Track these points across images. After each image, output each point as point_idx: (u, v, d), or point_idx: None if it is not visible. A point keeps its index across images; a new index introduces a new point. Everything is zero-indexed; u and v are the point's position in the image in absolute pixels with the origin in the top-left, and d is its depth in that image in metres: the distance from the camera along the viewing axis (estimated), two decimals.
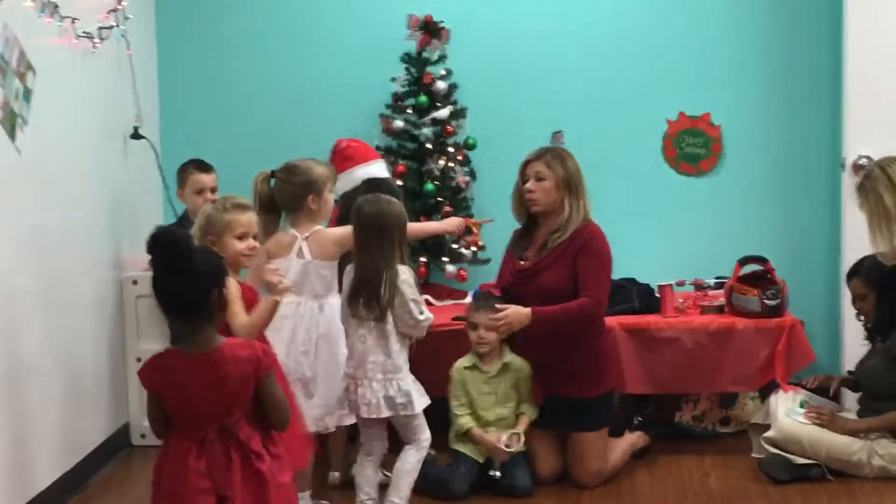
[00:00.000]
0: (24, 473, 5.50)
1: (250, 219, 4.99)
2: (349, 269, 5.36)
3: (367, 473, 5.41)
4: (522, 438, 5.88)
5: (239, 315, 4.67)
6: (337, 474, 5.93)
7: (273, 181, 5.55)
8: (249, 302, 4.82)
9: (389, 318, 5.27)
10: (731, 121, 7.29)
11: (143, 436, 6.75)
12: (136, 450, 6.75)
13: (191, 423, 3.97)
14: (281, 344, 5.31)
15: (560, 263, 5.91)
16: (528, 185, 5.96)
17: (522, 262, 6.00)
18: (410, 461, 5.36)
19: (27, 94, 5.52)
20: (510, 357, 5.97)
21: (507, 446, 5.80)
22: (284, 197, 5.53)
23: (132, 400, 6.74)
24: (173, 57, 7.45)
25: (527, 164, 6.01)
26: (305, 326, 5.48)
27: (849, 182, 6.73)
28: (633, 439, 6.31)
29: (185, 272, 3.90)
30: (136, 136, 6.89)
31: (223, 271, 4.06)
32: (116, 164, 6.79)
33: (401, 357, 5.32)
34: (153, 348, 6.31)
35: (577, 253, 5.89)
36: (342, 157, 6.12)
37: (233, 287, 4.59)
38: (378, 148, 7.10)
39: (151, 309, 6.44)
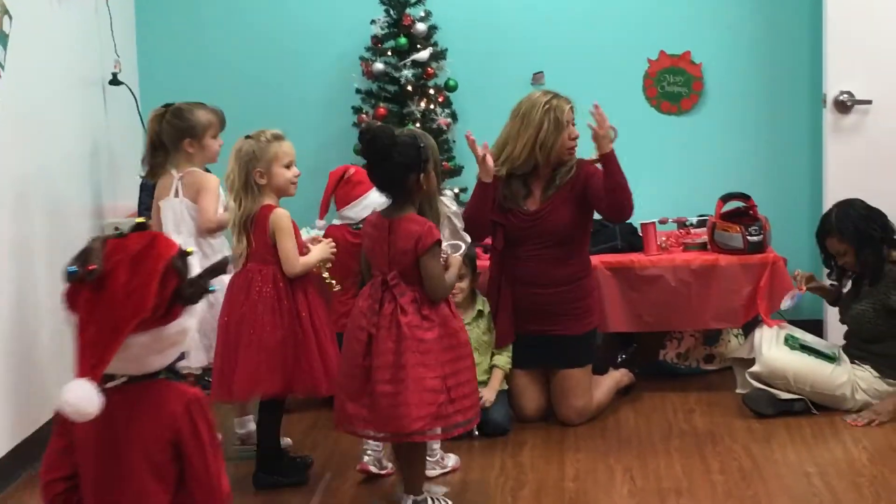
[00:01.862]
0: (15, 418, 5.51)
1: (292, 147, 5.31)
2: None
3: None
4: (493, 396, 5.91)
5: (290, 250, 5.18)
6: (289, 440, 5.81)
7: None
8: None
9: None
10: (712, 59, 7.27)
11: None
12: None
13: (375, 271, 4.86)
14: None
15: (569, 202, 5.94)
16: (574, 131, 5.93)
17: (526, 207, 5.97)
18: None
19: (3, 39, 5.48)
20: (482, 303, 5.99)
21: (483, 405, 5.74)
22: (167, 138, 5.73)
23: None
24: (151, 2, 7.39)
25: (569, 108, 5.94)
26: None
27: (830, 118, 6.74)
28: (617, 377, 6.34)
29: (385, 161, 4.73)
30: (114, 81, 6.84)
31: (419, 160, 4.76)
32: (95, 111, 6.75)
33: None
34: None
35: (581, 189, 5.93)
36: (353, 184, 6.10)
37: (285, 220, 5.21)
38: (358, 91, 7.09)
39: None
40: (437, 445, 5.38)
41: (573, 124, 5.93)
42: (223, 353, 5.25)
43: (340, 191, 6.18)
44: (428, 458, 5.27)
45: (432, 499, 5.01)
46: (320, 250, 5.31)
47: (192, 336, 5.22)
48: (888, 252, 6.00)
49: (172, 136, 5.70)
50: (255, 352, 5.15)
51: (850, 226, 6.02)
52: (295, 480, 5.37)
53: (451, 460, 5.44)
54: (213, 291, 3.07)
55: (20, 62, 5.64)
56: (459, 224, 5.34)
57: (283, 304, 5.18)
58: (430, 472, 5.30)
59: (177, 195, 5.70)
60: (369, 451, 5.36)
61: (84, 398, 2.79)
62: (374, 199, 5.62)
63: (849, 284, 6.23)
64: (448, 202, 5.26)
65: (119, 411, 2.94)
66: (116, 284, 2.87)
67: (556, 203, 5.92)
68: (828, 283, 6.41)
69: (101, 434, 2.95)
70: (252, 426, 5.72)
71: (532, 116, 5.87)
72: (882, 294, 5.96)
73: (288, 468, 5.42)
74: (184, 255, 2.96)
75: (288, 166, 5.27)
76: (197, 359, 5.62)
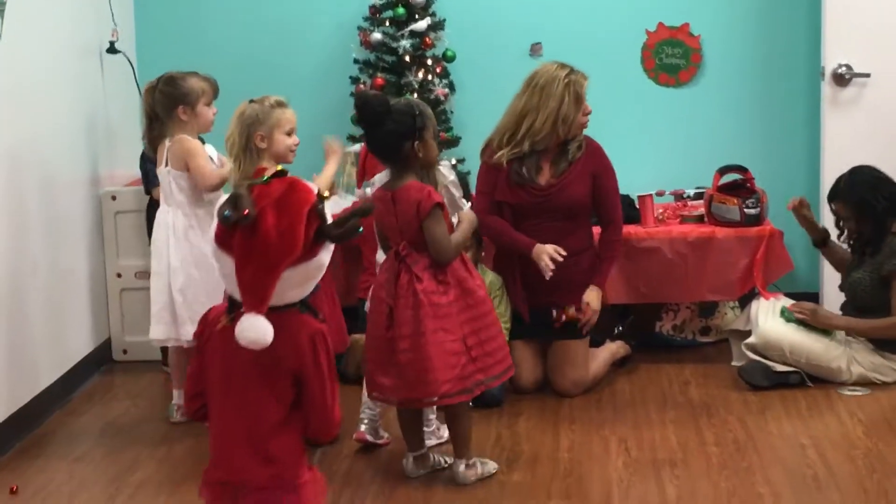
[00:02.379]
0: (9, 387, 5.52)
1: (294, 115, 5.37)
2: (380, 178, 5.34)
3: None
4: None
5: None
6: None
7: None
8: None
9: None
10: (710, 31, 7.25)
11: (124, 351, 6.76)
12: (118, 365, 6.77)
13: (389, 245, 4.93)
14: (158, 255, 5.64)
15: (580, 180, 5.96)
16: (588, 107, 5.95)
17: (537, 181, 5.96)
18: None
19: (1, 7, 5.47)
20: (488, 276, 5.99)
21: None
22: (160, 107, 5.69)
23: (113, 316, 6.75)
24: None
25: (585, 83, 5.97)
26: (175, 237, 5.62)
27: (828, 91, 6.73)
28: (613, 348, 6.35)
29: (379, 128, 4.76)
30: (112, 50, 6.83)
31: (414, 128, 4.78)
32: (93, 79, 6.74)
33: None
34: (133, 264, 6.41)
35: (593, 173, 5.98)
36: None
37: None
38: (356, 61, 7.07)
39: (131, 224, 6.48)
40: (433, 416, 5.40)
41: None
42: None
43: (368, 163, 6.18)
44: (424, 428, 5.30)
45: (480, 462, 5.09)
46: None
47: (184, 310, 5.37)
48: (891, 223, 5.99)
49: (166, 105, 5.67)
50: None
51: (855, 193, 6.02)
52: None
53: (447, 431, 5.45)
54: (361, 233, 3.29)
55: (17, 31, 5.63)
56: (457, 193, 5.33)
57: None
58: (428, 442, 5.32)
59: (166, 165, 5.68)
60: (366, 420, 5.38)
61: (258, 330, 3.11)
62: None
63: (848, 251, 6.25)
64: (445, 171, 5.25)
65: None
66: (267, 227, 3.12)
67: (570, 178, 5.92)
68: (821, 226, 6.45)
69: (229, 357, 3.24)
70: None
71: (553, 90, 5.86)
72: (879, 264, 5.97)
73: None
74: (321, 198, 3.23)
75: (289, 133, 5.33)
76: (188, 332, 5.65)
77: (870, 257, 6.05)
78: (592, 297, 5.96)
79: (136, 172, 6.75)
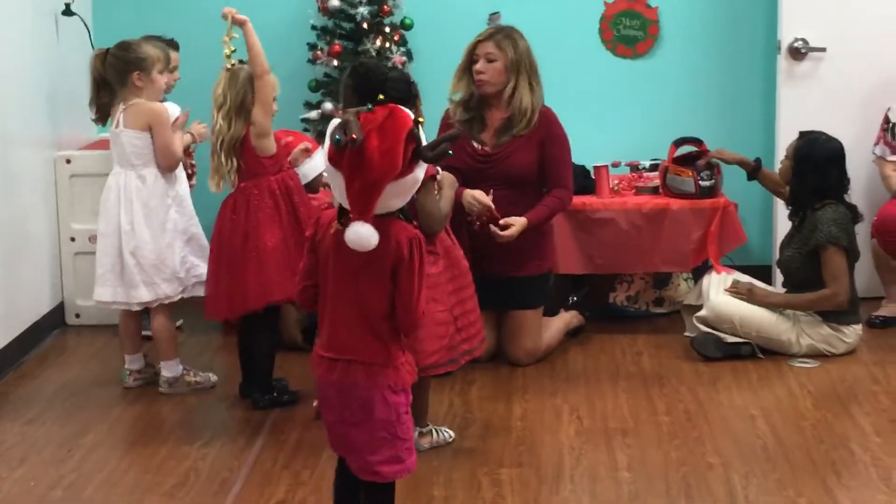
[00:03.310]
0: None
1: (276, 81, 5.51)
2: None
3: None
4: None
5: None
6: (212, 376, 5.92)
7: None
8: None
9: None
10: (668, 3, 7.26)
11: (77, 315, 6.74)
12: (70, 329, 6.75)
13: None
14: (108, 217, 5.65)
15: (526, 148, 5.94)
16: (477, 66, 5.92)
17: (481, 147, 5.96)
18: None
19: None
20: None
21: None
22: (113, 73, 5.65)
23: (66, 279, 6.72)
24: None
25: (476, 44, 5.95)
26: (127, 199, 5.62)
27: (784, 65, 6.76)
28: (567, 318, 6.38)
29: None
30: (67, 12, 6.78)
31: (411, 95, 4.75)
32: (48, 42, 6.69)
33: None
34: (87, 228, 6.36)
35: (542, 140, 5.95)
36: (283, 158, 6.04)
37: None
38: (314, 28, 7.04)
39: (86, 188, 6.45)
40: None
41: (485, 59, 5.91)
42: (229, 271, 5.47)
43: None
44: None
45: (436, 430, 5.10)
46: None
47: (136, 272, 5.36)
48: (819, 201, 6.03)
49: (119, 70, 5.61)
50: (264, 260, 5.42)
51: (806, 151, 6.06)
52: (290, 400, 5.55)
53: None
54: (451, 155, 3.82)
55: None
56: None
57: (281, 212, 5.46)
58: None
59: (117, 126, 5.65)
60: None
61: (364, 234, 3.63)
62: (303, 173, 5.81)
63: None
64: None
65: None
66: (371, 148, 3.63)
67: (515, 146, 5.91)
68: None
69: (343, 254, 3.75)
70: (142, 362, 5.87)
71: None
72: (805, 239, 6.02)
73: (276, 390, 5.62)
74: (417, 123, 3.72)
75: (274, 99, 5.48)
76: (172, 289, 5.68)
77: (797, 233, 6.10)
78: (518, 222, 5.80)
79: (92, 136, 6.73)
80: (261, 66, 5.38)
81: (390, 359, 3.84)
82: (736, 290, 6.07)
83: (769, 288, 6.30)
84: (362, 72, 4.88)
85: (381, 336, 3.83)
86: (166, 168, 5.66)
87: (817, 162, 6.03)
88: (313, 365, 3.95)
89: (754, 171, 6.46)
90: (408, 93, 4.79)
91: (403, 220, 3.83)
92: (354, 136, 3.62)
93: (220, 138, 5.40)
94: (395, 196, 3.73)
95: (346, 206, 3.73)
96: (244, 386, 5.67)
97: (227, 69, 5.41)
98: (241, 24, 5.41)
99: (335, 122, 3.73)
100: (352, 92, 4.85)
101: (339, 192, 3.73)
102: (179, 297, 5.71)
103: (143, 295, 5.63)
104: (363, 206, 3.65)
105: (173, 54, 6.40)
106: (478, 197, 5.73)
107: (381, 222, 3.70)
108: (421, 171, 3.77)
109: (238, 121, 5.38)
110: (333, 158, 3.69)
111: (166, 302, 5.68)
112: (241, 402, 5.62)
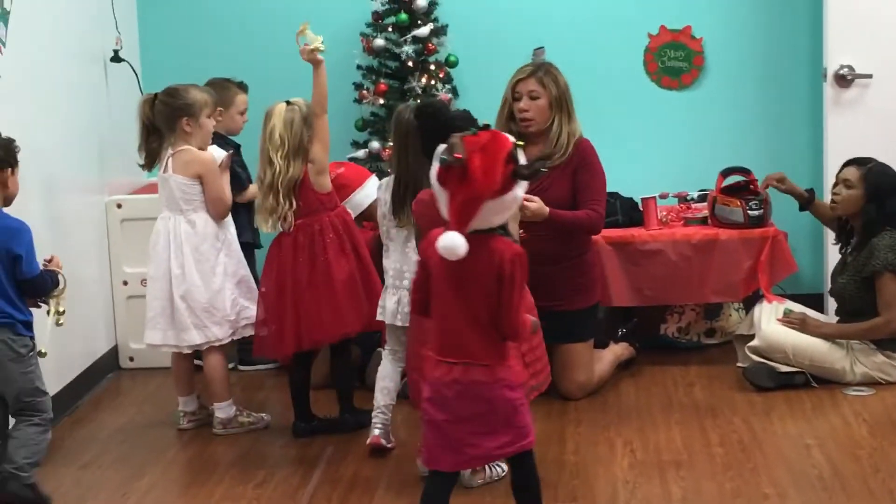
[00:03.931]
0: None
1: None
2: (387, 183, 5.38)
3: (394, 371, 5.47)
4: None
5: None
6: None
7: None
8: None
9: None
10: (712, 33, 7.26)
11: (131, 358, 6.79)
12: (125, 372, 6.79)
13: None
14: (157, 261, 5.70)
15: (560, 180, 5.92)
16: (521, 104, 5.92)
17: None
18: None
19: (5, 15, 5.50)
20: None
21: None
22: (162, 118, 5.69)
23: (119, 323, 6.77)
24: None
25: (517, 82, 5.97)
26: (176, 243, 5.67)
27: (830, 92, 6.74)
28: (618, 351, 6.36)
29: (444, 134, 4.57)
30: (115, 59, 6.86)
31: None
32: (97, 88, 6.76)
33: None
34: (140, 271, 6.40)
35: (576, 169, 5.93)
36: (337, 186, 6.03)
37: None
38: (359, 67, 7.10)
39: (137, 232, 6.50)
40: None
41: (528, 96, 5.92)
42: (295, 307, 5.55)
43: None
44: None
45: (489, 466, 5.09)
46: None
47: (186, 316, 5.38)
48: (883, 228, 5.99)
49: (168, 116, 5.66)
50: (337, 293, 5.53)
51: (880, 178, 6.03)
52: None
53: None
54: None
55: (21, 39, 5.66)
56: None
57: (345, 246, 5.57)
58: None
59: (165, 171, 5.70)
60: (380, 425, 5.39)
61: (454, 242, 3.94)
62: (357, 202, 5.99)
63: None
64: None
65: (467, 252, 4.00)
66: (474, 167, 3.96)
67: (549, 180, 5.89)
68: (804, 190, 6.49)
69: (451, 267, 4.07)
70: (196, 403, 5.90)
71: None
72: (860, 266, 5.98)
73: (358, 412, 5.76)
74: (516, 146, 4.04)
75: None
76: (223, 332, 5.72)
77: (852, 260, 6.06)
78: (538, 202, 5.66)
79: (142, 180, 6.78)
80: (323, 105, 5.53)
81: (503, 359, 4.18)
82: (788, 320, 6.04)
83: (822, 317, 6.27)
84: (431, 111, 4.90)
85: (493, 340, 4.15)
86: (217, 216, 5.72)
87: (894, 188, 6.00)
88: (429, 368, 4.27)
89: (807, 202, 6.43)
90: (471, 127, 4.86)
91: (505, 237, 4.16)
92: (459, 155, 3.97)
93: (279, 179, 5.47)
94: (496, 213, 4.05)
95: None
96: (298, 426, 5.71)
97: (286, 105, 5.53)
98: (316, 64, 5.60)
99: (441, 147, 4.10)
100: (415, 131, 4.97)
101: (444, 209, 4.06)
102: (230, 339, 5.74)
103: (194, 338, 5.66)
104: (462, 219, 3.98)
105: (241, 96, 6.52)
106: (533, 201, 5.68)
107: (483, 238, 4.07)
108: (521, 190, 4.06)
109: (296, 162, 5.48)
110: (441, 177, 4.03)
111: (216, 344, 5.72)
112: (295, 440, 5.64)
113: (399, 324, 5.34)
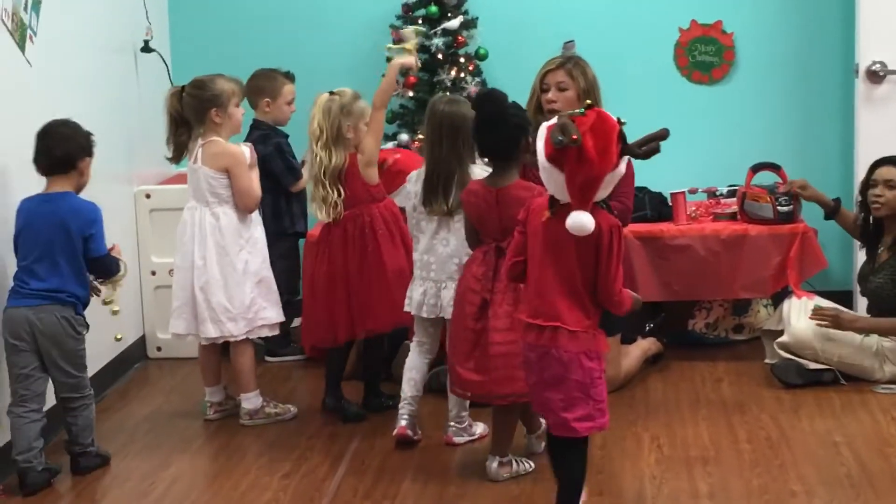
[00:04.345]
0: None
1: (369, 109, 5.70)
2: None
3: (421, 363, 5.49)
4: None
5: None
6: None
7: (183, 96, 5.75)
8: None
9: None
10: (743, 28, 7.24)
11: (158, 348, 6.81)
12: (152, 362, 6.82)
13: (485, 238, 5.04)
14: (183, 251, 5.74)
15: None
16: (549, 96, 5.90)
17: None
18: None
19: (36, 4, 5.52)
20: None
21: None
22: (190, 111, 5.71)
23: (147, 313, 6.79)
24: None
25: (546, 73, 5.95)
26: (201, 235, 5.68)
27: (862, 88, 6.71)
28: (645, 346, 6.35)
29: (504, 123, 4.92)
30: (146, 49, 6.87)
31: (529, 124, 5.01)
32: (127, 78, 6.79)
33: None
34: (167, 261, 6.40)
35: None
36: (393, 173, 6.09)
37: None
38: (388, 59, 7.08)
39: (165, 222, 6.51)
40: (465, 413, 5.41)
41: (557, 87, 5.87)
42: (348, 296, 5.66)
43: (382, 178, 6.19)
44: (456, 424, 5.33)
45: (516, 461, 5.10)
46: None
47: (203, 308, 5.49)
48: None
49: (197, 108, 5.67)
50: (390, 283, 5.61)
51: None
52: (394, 404, 5.57)
53: (479, 428, 5.46)
54: (657, 152, 4.30)
55: (52, 29, 5.68)
56: None
57: (395, 237, 5.67)
58: (457, 440, 5.35)
59: (196, 162, 5.71)
60: (406, 416, 5.40)
61: (584, 222, 4.10)
62: (412, 188, 5.76)
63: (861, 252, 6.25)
64: (480, 172, 5.28)
65: (564, 220, 4.16)
66: (589, 147, 4.07)
67: None
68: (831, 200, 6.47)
69: (551, 236, 4.27)
70: (223, 394, 5.93)
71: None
72: None
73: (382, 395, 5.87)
74: (621, 122, 4.17)
75: (367, 125, 5.64)
76: (237, 328, 5.72)
77: (889, 258, 6.02)
78: None
79: (171, 170, 6.79)
80: (383, 100, 5.64)
81: (591, 327, 4.32)
82: (822, 315, 5.98)
83: (852, 313, 6.23)
84: (494, 97, 5.01)
85: (585, 307, 4.30)
86: (245, 209, 5.73)
87: None
88: (520, 330, 4.42)
89: (833, 210, 6.40)
90: (527, 120, 5.02)
91: (605, 209, 4.28)
92: (575, 136, 4.05)
93: (322, 169, 5.55)
94: (602, 187, 4.18)
95: (561, 198, 4.21)
96: (328, 401, 5.83)
97: (328, 95, 5.64)
98: (407, 65, 5.85)
99: (545, 125, 4.19)
100: (449, 122, 5.18)
101: (555, 187, 4.20)
102: (244, 336, 5.74)
103: (210, 331, 5.68)
104: (584, 198, 4.13)
105: (288, 86, 6.59)
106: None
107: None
108: (623, 166, 4.20)
109: (337, 151, 5.56)
110: (552, 157, 4.14)
111: (231, 340, 5.73)
112: (321, 431, 5.65)
113: (425, 315, 5.34)
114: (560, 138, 4.08)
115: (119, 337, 5.79)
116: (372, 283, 5.63)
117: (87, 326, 5.28)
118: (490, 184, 5.00)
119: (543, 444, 5.15)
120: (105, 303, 5.49)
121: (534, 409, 4.65)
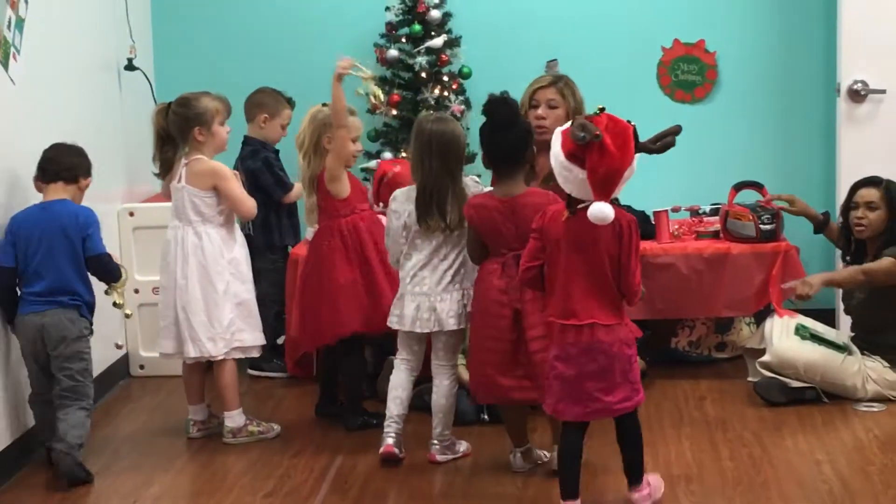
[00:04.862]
0: (25, 401, 5.53)
1: (361, 124, 5.87)
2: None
3: (407, 381, 5.49)
4: None
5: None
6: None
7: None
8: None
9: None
10: (726, 47, 7.28)
11: (141, 366, 6.80)
12: (135, 380, 6.80)
13: (497, 251, 5.07)
14: (167, 271, 5.74)
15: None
16: (539, 112, 5.93)
17: None
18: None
19: (20, 23, 5.52)
20: None
21: None
22: (175, 128, 5.73)
23: (131, 331, 6.77)
24: None
25: (537, 90, 5.97)
26: (183, 255, 5.69)
27: (844, 107, 6.74)
28: None
29: (513, 132, 5.05)
30: (129, 67, 6.87)
31: (532, 132, 5.18)
32: (111, 96, 6.78)
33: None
34: (150, 279, 6.40)
35: None
36: (391, 186, 6.04)
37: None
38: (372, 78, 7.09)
39: (149, 240, 6.50)
40: (448, 431, 5.41)
41: (547, 105, 5.95)
42: (308, 307, 5.83)
43: (381, 190, 6.20)
44: (439, 442, 5.33)
45: (534, 450, 5.30)
46: None
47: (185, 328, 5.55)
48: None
49: (181, 126, 5.67)
50: (335, 297, 5.70)
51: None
52: (378, 423, 5.56)
53: (463, 446, 5.47)
54: (673, 145, 4.73)
55: (36, 46, 5.68)
56: None
57: (349, 252, 5.70)
58: (440, 458, 5.35)
59: (180, 181, 5.71)
60: (392, 434, 5.40)
61: (605, 211, 4.34)
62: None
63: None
64: (472, 186, 5.31)
65: (585, 219, 4.40)
66: (608, 144, 4.36)
67: (558, 189, 5.90)
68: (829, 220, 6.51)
69: (575, 236, 4.54)
70: (206, 412, 5.91)
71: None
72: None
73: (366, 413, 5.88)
74: (632, 123, 4.48)
75: (354, 140, 5.72)
76: (215, 349, 5.72)
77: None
78: None
79: (155, 189, 6.78)
80: (339, 119, 5.60)
81: (622, 318, 4.65)
82: (795, 295, 6.03)
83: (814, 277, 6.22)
84: (502, 100, 5.13)
85: (614, 301, 4.62)
86: (244, 218, 5.88)
87: None
88: (556, 333, 4.64)
89: (822, 224, 6.43)
90: (531, 129, 5.22)
91: (621, 206, 4.57)
92: (597, 133, 4.33)
93: (304, 176, 5.75)
94: (622, 184, 4.46)
95: (581, 196, 4.47)
96: (321, 405, 6.01)
97: (320, 107, 5.76)
98: (337, 78, 5.64)
99: (559, 130, 4.50)
100: (438, 139, 5.22)
101: (573, 185, 4.47)
102: (222, 357, 5.73)
103: (190, 350, 5.68)
104: (606, 190, 4.38)
105: (287, 111, 6.70)
106: None
107: None
108: (635, 164, 4.47)
109: (315, 159, 5.70)
110: (571, 153, 4.41)
111: (209, 359, 5.73)
112: (305, 450, 5.64)
113: (418, 330, 5.35)
114: (582, 135, 4.33)
115: (120, 344, 5.83)
116: (322, 296, 5.74)
117: (92, 332, 5.42)
118: (501, 195, 5.05)
119: (526, 463, 5.26)
120: (116, 305, 5.55)
121: (567, 402, 4.70)
